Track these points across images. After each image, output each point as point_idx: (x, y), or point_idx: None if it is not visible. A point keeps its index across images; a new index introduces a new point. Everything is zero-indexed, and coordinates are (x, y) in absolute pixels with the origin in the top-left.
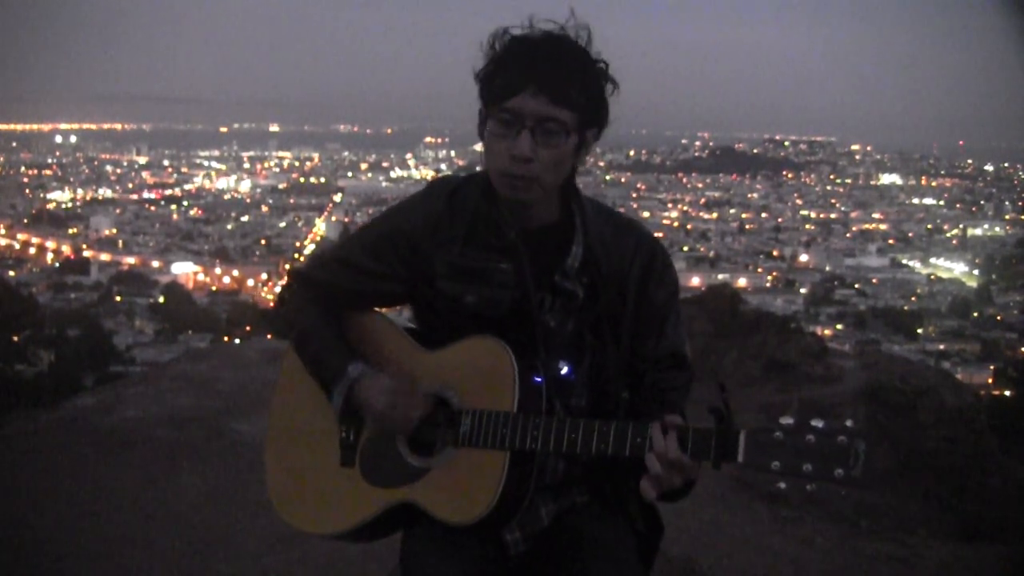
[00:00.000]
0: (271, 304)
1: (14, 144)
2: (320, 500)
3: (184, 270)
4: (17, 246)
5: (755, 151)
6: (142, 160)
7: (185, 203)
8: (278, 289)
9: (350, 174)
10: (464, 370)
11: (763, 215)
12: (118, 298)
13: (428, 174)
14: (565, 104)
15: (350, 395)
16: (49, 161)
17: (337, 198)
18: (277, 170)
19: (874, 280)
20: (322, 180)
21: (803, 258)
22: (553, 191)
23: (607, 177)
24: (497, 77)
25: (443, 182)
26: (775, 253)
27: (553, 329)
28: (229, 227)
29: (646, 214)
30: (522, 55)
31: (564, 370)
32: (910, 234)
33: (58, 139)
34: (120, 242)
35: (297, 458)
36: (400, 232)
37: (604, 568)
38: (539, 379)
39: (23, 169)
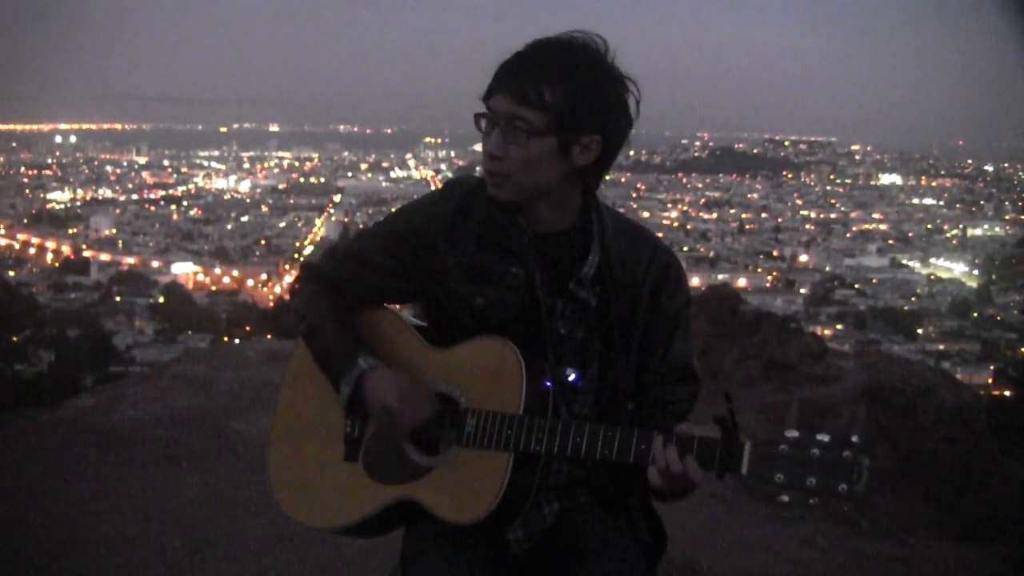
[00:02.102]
0: (271, 304)
1: (14, 144)
2: (322, 494)
3: (184, 270)
4: (17, 246)
5: (755, 151)
6: (142, 160)
7: (185, 203)
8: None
9: (350, 174)
10: (472, 370)
11: (763, 215)
12: (118, 298)
13: (428, 174)
14: (530, 104)
15: (358, 388)
16: (49, 161)
17: (337, 198)
18: (277, 170)
19: (874, 280)
20: (322, 180)
21: (803, 258)
22: (537, 193)
23: (607, 177)
24: (492, 78)
25: (459, 183)
26: (775, 253)
27: (563, 336)
28: (229, 227)
29: (646, 214)
30: (507, 60)
31: (571, 377)
32: (910, 234)
33: (58, 139)
34: (120, 242)
35: (301, 451)
36: (413, 230)
37: (607, 568)
38: (548, 383)
39: (23, 169)
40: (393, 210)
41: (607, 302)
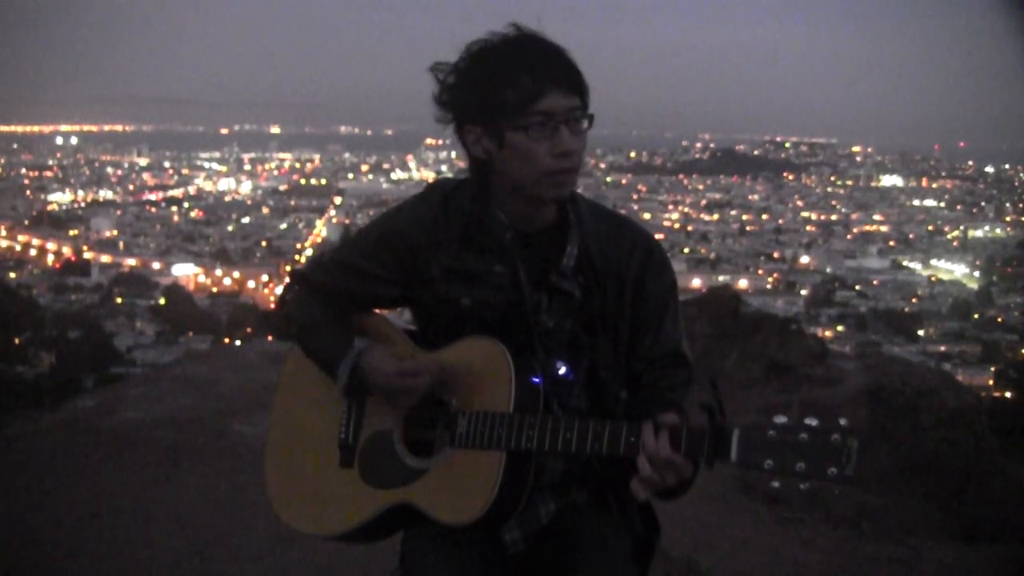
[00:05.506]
0: (272, 306)
1: (15, 146)
2: (319, 501)
3: (185, 272)
4: (18, 248)
5: (756, 153)
6: (143, 162)
7: (186, 205)
8: (279, 291)
9: (351, 176)
10: (461, 371)
11: (764, 217)
12: (119, 300)
13: (429, 176)
14: (580, 92)
15: (356, 367)
16: (50, 163)
17: (338, 200)
18: (278, 172)
19: (875, 282)
20: (323, 182)
21: (804, 260)
22: None
23: (608, 179)
24: (510, 86)
25: (439, 185)
26: (776, 255)
27: (551, 329)
28: (230, 229)
29: (647, 216)
30: (529, 56)
31: (562, 370)
32: (911, 236)
33: (59, 141)
34: (121, 244)
35: (296, 459)
36: (396, 235)
37: (601, 568)
38: (537, 380)
39: (24, 171)
40: (377, 216)
41: (591, 292)
